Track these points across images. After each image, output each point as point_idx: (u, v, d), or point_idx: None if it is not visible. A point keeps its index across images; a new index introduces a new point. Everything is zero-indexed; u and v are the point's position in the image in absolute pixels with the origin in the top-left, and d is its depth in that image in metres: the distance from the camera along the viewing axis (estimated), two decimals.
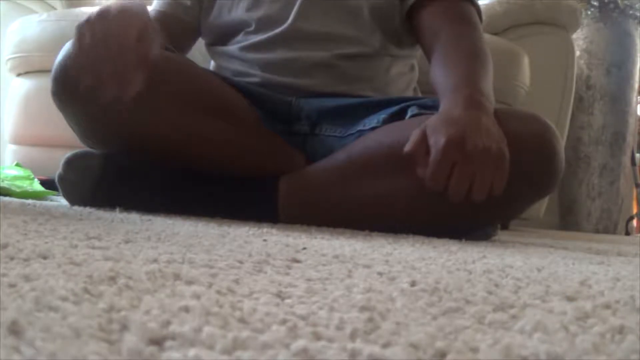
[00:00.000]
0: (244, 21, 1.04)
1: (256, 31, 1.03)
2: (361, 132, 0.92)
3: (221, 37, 1.08)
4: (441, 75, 0.90)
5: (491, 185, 0.75)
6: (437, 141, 0.75)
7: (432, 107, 0.86)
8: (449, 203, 0.78)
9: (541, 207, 1.75)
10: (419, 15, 1.00)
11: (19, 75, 1.63)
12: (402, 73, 1.09)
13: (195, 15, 1.09)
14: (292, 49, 1.01)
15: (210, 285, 0.30)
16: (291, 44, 1.01)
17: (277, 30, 1.01)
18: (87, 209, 0.82)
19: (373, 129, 0.91)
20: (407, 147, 0.77)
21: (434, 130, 0.76)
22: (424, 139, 0.76)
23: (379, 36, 1.03)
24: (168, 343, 0.20)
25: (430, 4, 0.99)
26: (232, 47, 1.06)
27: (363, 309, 0.27)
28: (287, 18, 1.01)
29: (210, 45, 1.12)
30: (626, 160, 2.60)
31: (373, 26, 1.02)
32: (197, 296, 0.27)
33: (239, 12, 1.04)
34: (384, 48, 1.04)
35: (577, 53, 2.33)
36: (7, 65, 1.64)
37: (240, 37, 1.05)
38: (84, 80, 0.76)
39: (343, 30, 1.01)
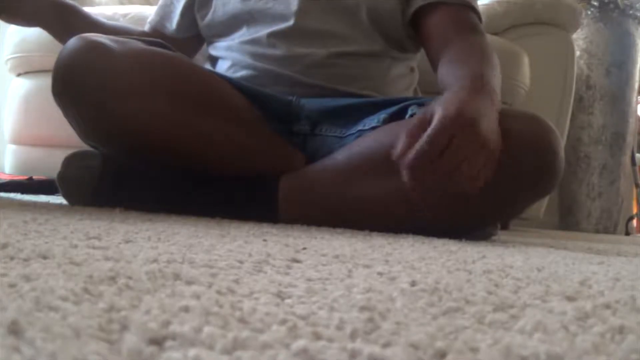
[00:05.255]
0: (243, 12, 1.04)
1: (257, 25, 1.03)
2: (361, 132, 0.92)
3: (222, 31, 1.09)
4: (449, 73, 0.89)
5: (479, 173, 0.73)
6: (439, 114, 0.72)
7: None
8: (448, 203, 0.77)
9: (541, 207, 1.75)
10: (424, 22, 1.00)
11: (19, 75, 1.63)
12: (402, 74, 1.09)
13: (184, 32, 1.14)
14: (293, 46, 1.01)
15: (210, 285, 0.30)
16: (291, 41, 1.01)
17: (278, 27, 1.02)
18: (87, 209, 0.82)
19: (373, 128, 0.91)
20: (396, 151, 0.73)
21: (433, 108, 0.74)
22: (413, 135, 0.73)
23: (378, 39, 1.03)
24: (168, 343, 0.20)
25: (434, 12, 0.99)
26: (232, 42, 1.06)
27: (363, 309, 0.27)
28: (289, 15, 1.01)
29: (210, 42, 1.13)
30: (626, 160, 2.60)
31: (371, 29, 1.02)
32: (197, 296, 0.27)
33: (237, 5, 1.05)
34: (383, 50, 1.04)
35: (577, 53, 2.33)
36: (7, 65, 1.64)
37: (241, 31, 1.05)
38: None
39: (341, 29, 1.02)
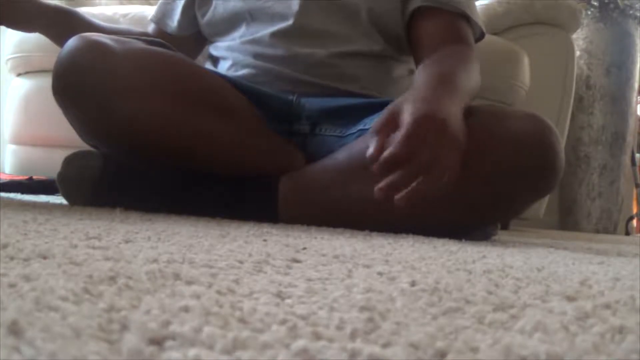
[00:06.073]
0: (243, 10, 1.04)
1: (256, 24, 1.03)
2: (362, 132, 0.92)
3: (222, 29, 1.08)
4: (421, 71, 0.90)
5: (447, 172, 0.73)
6: (410, 115, 0.73)
7: None
8: (449, 202, 0.78)
9: (541, 207, 1.75)
10: (418, 25, 1.01)
11: (19, 75, 1.63)
12: (402, 76, 1.09)
13: (185, 30, 1.13)
14: (293, 46, 1.01)
15: (210, 285, 0.30)
16: (292, 41, 1.01)
17: (279, 27, 1.01)
18: (87, 209, 0.82)
19: None
20: (370, 151, 0.74)
21: (401, 106, 0.75)
22: (382, 132, 0.74)
23: (378, 39, 1.03)
24: (168, 343, 0.20)
25: (430, 17, 0.99)
26: (233, 42, 1.06)
27: (363, 309, 0.27)
28: (289, 14, 1.01)
29: (211, 42, 1.13)
30: (626, 160, 2.60)
31: (371, 29, 1.02)
32: (197, 296, 0.27)
33: (238, 2, 1.05)
34: (384, 51, 1.04)
35: (577, 53, 2.33)
36: (7, 65, 1.64)
37: (240, 30, 1.05)
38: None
39: (342, 29, 1.02)
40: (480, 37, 1.04)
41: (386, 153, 0.72)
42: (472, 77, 0.91)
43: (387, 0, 1.02)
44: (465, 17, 1.00)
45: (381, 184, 0.73)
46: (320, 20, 1.01)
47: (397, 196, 0.72)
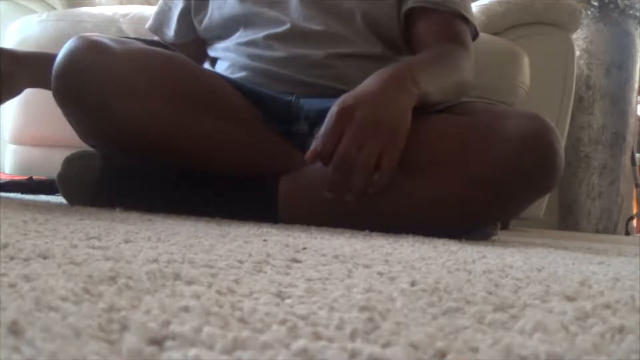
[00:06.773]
0: (239, 15, 1.04)
1: (253, 28, 1.03)
2: None
3: (219, 33, 1.09)
4: None
5: (380, 162, 0.75)
6: (330, 112, 0.75)
7: (432, 106, 0.86)
8: (450, 203, 0.78)
9: (541, 207, 1.75)
10: (414, 27, 1.01)
11: None
12: None
13: (184, 37, 1.14)
14: (290, 47, 1.01)
15: (210, 285, 0.30)
16: (289, 43, 1.01)
17: (275, 30, 1.01)
18: (87, 209, 0.82)
19: None
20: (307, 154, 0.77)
21: (336, 103, 0.77)
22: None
23: (376, 42, 1.03)
24: (168, 343, 0.20)
25: (425, 17, 1.00)
26: (230, 43, 1.06)
27: (363, 309, 0.27)
28: (285, 18, 1.01)
29: (209, 44, 1.13)
30: (626, 160, 2.60)
31: (368, 32, 1.02)
32: (197, 296, 0.27)
33: (233, 8, 1.05)
34: (382, 53, 1.04)
35: (577, 53, 2.33)
36: None
37: (237, 33, 1.05)
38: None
39: (339, 31, 1.01)
40: (474, 37, 1.04)
41: (310, 150, 0.74)
42: (449, 74, 0.92)
43: (382, 3, 1.01)
44: (460, 16, 1.00)
45: (325, 186, 0.75)
46: (317, 23, 1.01)
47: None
